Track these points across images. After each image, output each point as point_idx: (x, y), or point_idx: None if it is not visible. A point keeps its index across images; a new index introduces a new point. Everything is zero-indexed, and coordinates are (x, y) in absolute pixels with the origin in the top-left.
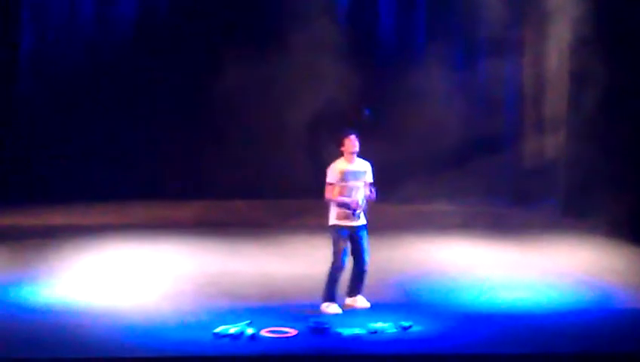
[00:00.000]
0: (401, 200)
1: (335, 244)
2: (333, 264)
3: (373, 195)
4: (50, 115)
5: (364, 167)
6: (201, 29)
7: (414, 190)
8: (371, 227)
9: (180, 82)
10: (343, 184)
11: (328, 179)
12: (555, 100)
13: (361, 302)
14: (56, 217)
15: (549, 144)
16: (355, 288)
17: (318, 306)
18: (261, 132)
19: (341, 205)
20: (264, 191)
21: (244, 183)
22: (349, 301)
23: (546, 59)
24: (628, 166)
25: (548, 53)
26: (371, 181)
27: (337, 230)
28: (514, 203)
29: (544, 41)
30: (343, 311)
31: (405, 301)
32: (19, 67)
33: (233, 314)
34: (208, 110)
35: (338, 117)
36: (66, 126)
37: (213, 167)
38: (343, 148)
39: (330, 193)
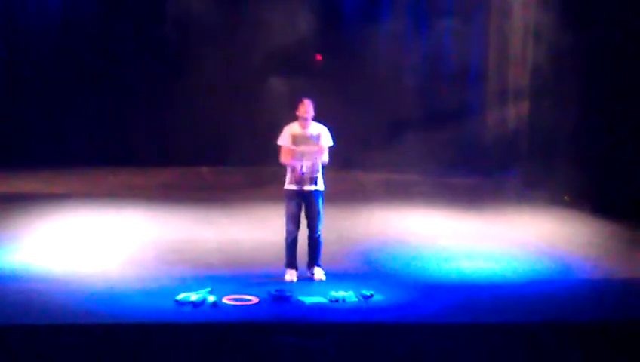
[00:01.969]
0: (364, 169)
1: (285, 209)
2: (285, 229)
3: (324, 158)
4: (16, 82)
5: (317, 130)
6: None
7: (377, 159)
8: (333, 195)
9: (146, 49)
10: (294, 148)
11: (279, 141)
12: (519, 71)
13: (317, 273)
14: (21, 184)
15: (512, 115)
16: (310, 257)
17: (281, 274)
18: (228, 96)
19: (291, 169)
20: (230, 159)
21: (210, 150)
22: (308, 272)
23: (511, 30)
24: (589, 138)
25: (513, 22)
26: (330, 145)
27: (288, 194)
28: (476, 173)
29: (509, 10)
30: (302, 280)
31: (367, 270)
32: None
33: (195, 282)
34: (174, 77)
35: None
36: (32, 93)
37: (180, 134)
38: (297, 113)
39: (283, 156)
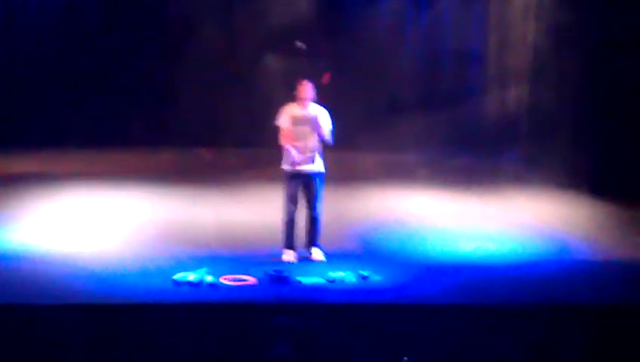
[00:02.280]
0: (364, 150)
1: (284, 189)
2: (284, 209)
3: (327, 137)
4: (18, 62)
5: (316, 112)
6: None
7: (376, 140)
8: (333, 176)
9: (146, 29)
10: (292, 128)
11: (277, 122)
12: (520, 52)
13: (316, 254)
14: (18, 165)
15: (513, 96)
16: (308, 238)
17: (279, 254)
18: (228, 78)
19: (289, 149)
20: (230, 139)
21: (209, 131)
22: (307, 253)
23: (512, 11)
24: (590, 119)
25: (513, 3)
26: (329, 127)
27: (286, 175)
28: (476, 155)
29: None
30: (301, 260)
31: (365, 251)
32: None
33: (193, 262)
34: (175, 58)
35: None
36: (31, 74)
37: (180, 115)
38: (296, 94)
39: (282, 137)
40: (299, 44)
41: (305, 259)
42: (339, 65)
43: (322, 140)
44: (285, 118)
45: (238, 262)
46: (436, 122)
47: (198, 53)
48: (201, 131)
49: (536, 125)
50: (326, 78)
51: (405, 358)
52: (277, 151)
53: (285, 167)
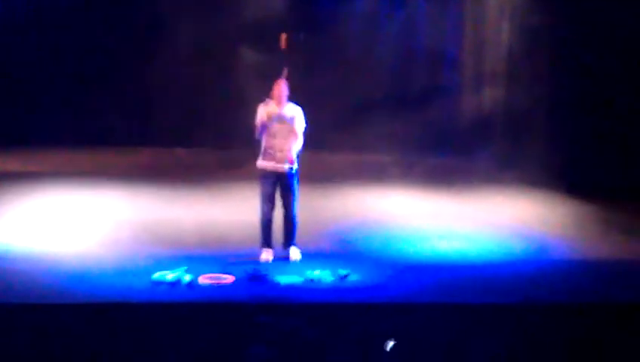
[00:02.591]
0: (340, 150)
1: (260, 189)
2: (260, 209)
3: (299, 140)
4: (1, 61)
5: (292, 111)
6: None
7: (353, 139)
8: (309, 176)
9: (128, 29)
10: (268, 126)
11: (256, 121)
12: (495, 52)
13: (293, 253)
14: (1, 163)
15: (488, 96)
16: (286, 237)
17: (257, 254)
18: (205, 78)
19: (265, 147)
20: (205, 140)
21: (185, 131)
22: (284, 252)
23: (486, 11)
24: (565, 118)
25: (488, 4)
26: (303, 126)
27: (262, 174)
28: (452, 154)
29: None
30: (278, 259)
31: (343, 250)
32: None
33: (171, 261)
34: (153, 57)
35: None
36: (18, 72)
37: (157, 115)
38: (272, 93)
39: (257, 133)
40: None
41: (283, 258)
42: (312, 64)
43: (295, 141)
44: (261, 114)
45: (216, 261)
46: (411, 122)
47: (174, 52)
48: (178, 130)
49: (510, 125)
50: (284, 42)
51: (391, 342)
52: (252, 151)
53: (260, 164)
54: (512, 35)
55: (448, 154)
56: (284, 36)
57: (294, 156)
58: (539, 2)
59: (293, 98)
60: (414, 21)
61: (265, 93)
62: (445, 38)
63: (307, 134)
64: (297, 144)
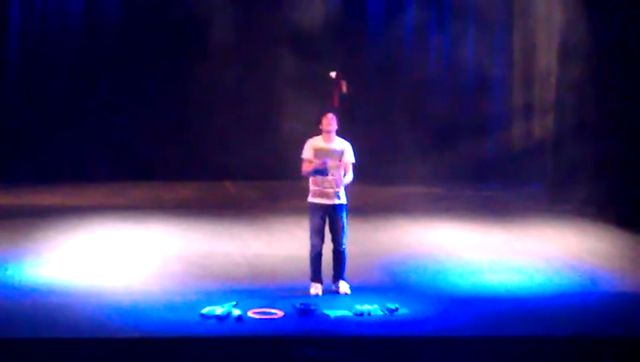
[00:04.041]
0: (388, 182)
1: (309, 222)
2: (309, 242)
3: (348, 175)
4: (40, 95)
5: (341, 146)
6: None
7: (401, 172)
8: (358, 208)
9: (169, 63)
10: (317, 161)
11: (302, 155)
12: (544, 82)
13: (342, 287)
14: (46, 197)
15: (537, 127)
16: (335, 271)
17: (306, 288)
18: (250, 112)
19: (314, 182)
20: (253, 173)
21: (233, 164)
22: (333, 286)
23: (536, 40)
24: (615, 151)
25: (537, 33)
26: (352, 161)
27: (311, 208)
28: (501, 186)
29: (534, 22)
30: (327, 293)
31: (392, 283)
32: (9, 46)
33: (220, 295)
34: (197, 91)
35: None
36: (57, 106)
37: (203, 149)
38: (320, 127)
39: (304, 168)
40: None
41: (332, 292)
42: (363, 97)
43: (344, 174)
44: (309, 150)
45: (264, 295)
46: (461, 154)
47: (221, 84)
48: (224, 164)
49: (562, 156)
50: (343, 87)
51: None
52: (300, 184)
53: (310, 199)
54: (564, 63)
55: (499, 185)
56: (343, 82)
57: (343, 191)
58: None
59: (341, 131)
60: (465, 52)
61: (314, 127)
62: (496, 68)
63: (356, 166)
64: (347, 178)
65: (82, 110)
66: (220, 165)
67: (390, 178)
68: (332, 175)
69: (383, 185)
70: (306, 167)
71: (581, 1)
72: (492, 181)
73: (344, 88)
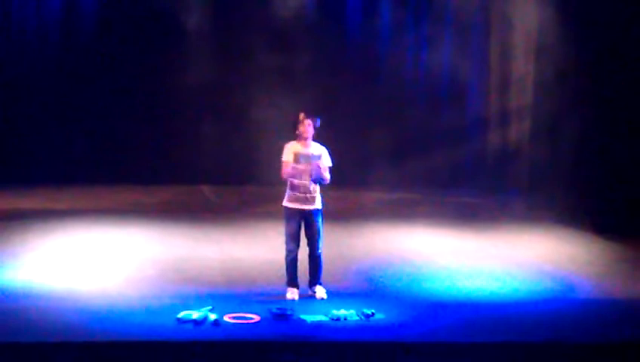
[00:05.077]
0: (365, 188)
1: (285, 227)
2: (285, 247)
3: (326, 177)
4: (20, 99)
5: (318, 151)
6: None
7: (378, 177)
8: (334, 213)
9: (148, 68)
10: (295, 166)
11: (282, 158)
12: (520, 91)
13: (318, 292)
14: (24, 201)
15: (513, 134)
16: (311, 276)
17: (282, 292)
18: (228, 118)
19: (290, 187)
20: (230, 177)
21: (210, 169)
22: (310, 291)
23: (512, 48)
24: (591, 157)
25: (513, 41)
26: (329, 165)
27: (287, 213)
28: (478, 193)
29: (510, 29)
30: (303, 298)
31: (368, 288)
32: None
33: (197, 300)
34: (176, 96)
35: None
36: (35, 110)
37: (181, 153)
38: (297, 132)
39: (284, 171)
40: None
41: (308, 297)
42: (338, 101)
43: (322, 180)
44: (289, 153)
45: (241, 299)
46: (437, 159)
47: (199, 89)
48: (203, 168)
49: (538, 164)
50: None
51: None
52: (275, 189)
53: (285, 203)
54: (540, 70)
55: (475, 191)
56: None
57: (319, 195)
58: (568, 36)
59: (319, 136)
60: (441, 58)
61: (290, 132)
62: (472, 74)
63: (333, 171)
64: (323, 183)
65: (61, 114)
66: (198, 170)
67: (366, 183)
68: (307, 180)
69: (358, 190)
70: (285, 170)
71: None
72: (469, 187)
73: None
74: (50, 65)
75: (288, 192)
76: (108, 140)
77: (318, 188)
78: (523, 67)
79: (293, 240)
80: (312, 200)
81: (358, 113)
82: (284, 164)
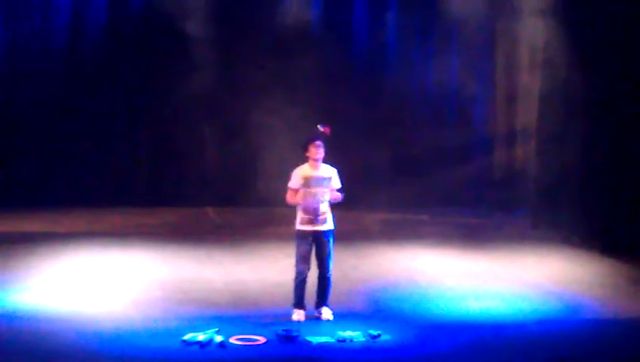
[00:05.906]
0: (372, 209)
1: (296, 249)
2: (295, 269)
3: (339, 198)
4: (26, 121)
5: (329, 173)
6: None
7: (385, 198)
8: (341, 235)
9: (153, 89)
10: (306, 189)
11: (289, 184)
12: (526, 110)
13: (325, 313)
14: (28, 224)
15: (520, 154)
16: (319, 297)
17: (288, 314)
18: (233, 140)
19: (303, 210)
20: (235, 199)
21: (216, 191)
22: (316, 312)
23: (518, 68)
24: (598, 178)
25: (520, 61)
26: (339, 186)
27: (299, 235)
28: (484, 213)
29: (516, 49)
30: (310, 319)
31: (374, 310)
32: None
33: (202, 322)
34: (181, 117)
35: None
36: (41, 132)
37: (186, 175)
38: (307, 154)
39: (290, 197)
40: (320, 128)
41: (314, 319)
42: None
43: (333, 200)
44: (297, 179)
45: (247, 321)
46: (444, 180)
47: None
48: (208, 190)
49: (545, 184)
50: (326, 130)
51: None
52: (282, 211)
53: (298, 226)
54: (546, 91)
55: (482, 212)
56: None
57: (331, 216)
58: (574, 57)
59: (328, 157)
60: (448, 78)
61: (298, 154)
62: (478, 94)
63: (340, 192)
64: (336, 200)
65: (64, 136)
66: (202, 192)
67: (373, 204)
68: (321, 201)
69: (365, 211)
70: (291, 196)
71: (564, 29)
72: (476, 207)
73: (328, 132)
74: (49, 86)
75: (301, 215)
76: (112, 163)
77: (329, 208)
78: (529, 82)
79: (304, 261)
80: (324, 221)
81: (361, 131)
82: (290, 191)
